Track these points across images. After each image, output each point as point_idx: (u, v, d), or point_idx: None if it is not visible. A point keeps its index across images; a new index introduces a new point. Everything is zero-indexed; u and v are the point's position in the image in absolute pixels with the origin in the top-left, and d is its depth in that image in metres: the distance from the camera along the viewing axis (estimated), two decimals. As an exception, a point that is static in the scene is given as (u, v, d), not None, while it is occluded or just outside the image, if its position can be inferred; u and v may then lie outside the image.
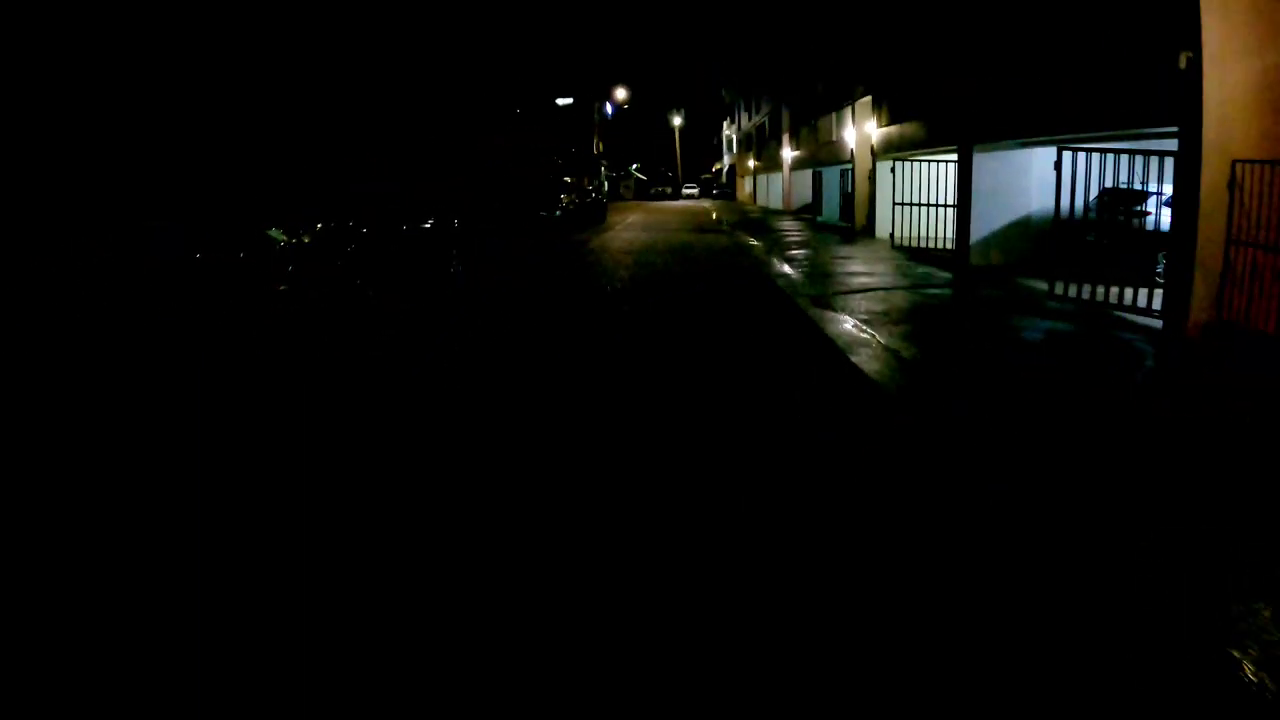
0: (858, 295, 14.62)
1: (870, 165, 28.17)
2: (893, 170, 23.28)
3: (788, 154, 47.58)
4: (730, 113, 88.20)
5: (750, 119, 70.77)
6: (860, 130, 29.33)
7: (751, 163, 69.34)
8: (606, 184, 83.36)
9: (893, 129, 25.93)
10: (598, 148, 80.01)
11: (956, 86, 19.98)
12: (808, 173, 43.19)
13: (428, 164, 26.66)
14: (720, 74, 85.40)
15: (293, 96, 21.90)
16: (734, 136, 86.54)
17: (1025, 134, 16.15)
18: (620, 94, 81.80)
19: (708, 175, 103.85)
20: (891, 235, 23.58)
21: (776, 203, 53.98)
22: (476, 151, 32.55)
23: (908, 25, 24.37)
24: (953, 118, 20.34)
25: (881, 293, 14.96)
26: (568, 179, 38.05)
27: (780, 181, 52.32)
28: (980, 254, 19.49)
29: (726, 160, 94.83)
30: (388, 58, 27.41)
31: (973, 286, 15.72)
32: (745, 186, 76.04)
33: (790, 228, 33.74)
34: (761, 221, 38.96)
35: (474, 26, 40.54)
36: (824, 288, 15.79)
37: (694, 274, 19.29)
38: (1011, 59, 17.01)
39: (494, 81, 43.08)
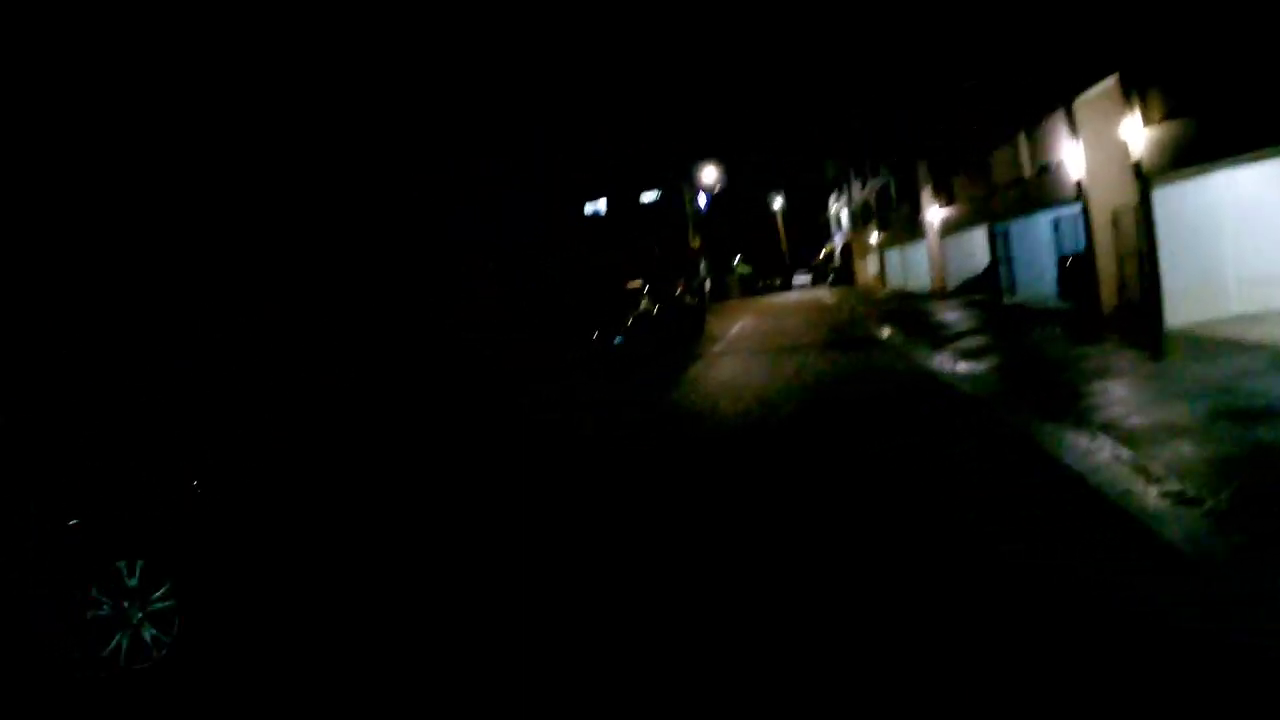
0: None
1: (1130, 197, 16.17)
2: None
3: (934, 214, 35.66)
4: (836, 186, 77.01)
5: (864, 186, 59.37)
6: (1101, 139, 17.39)
7: (874, 237, 57.55)
8: (710, 281, 73.59)
9: (1186, 125, 13.96)
10: (693, 244, 70.02)
11: None
12: (974, 234, 31.11)
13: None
14: (824, 141, 74.35)
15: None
16: (844, 211, 75.17)
17: None
18: (711, 177, 71.42)
19: (818, 260, 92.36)
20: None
21: (919, 282, 41.77)
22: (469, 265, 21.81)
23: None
24: None
25: None
26: (640, 283, 26.96)
27: (923, 253, 40.25)
28: None
29: (838, 239, 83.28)
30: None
31: None
32: (867, 267, 64.11)
33: (975, 326, 21.73)
34: (921, 316, 26.91)
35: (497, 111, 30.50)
36: None
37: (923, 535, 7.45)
38: None
39: (544, 175, 32.86)
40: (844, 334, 24.78)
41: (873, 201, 56.44)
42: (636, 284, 26.60)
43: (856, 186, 64.26)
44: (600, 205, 56.69)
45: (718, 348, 24.72)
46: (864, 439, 10.15)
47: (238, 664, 5.87)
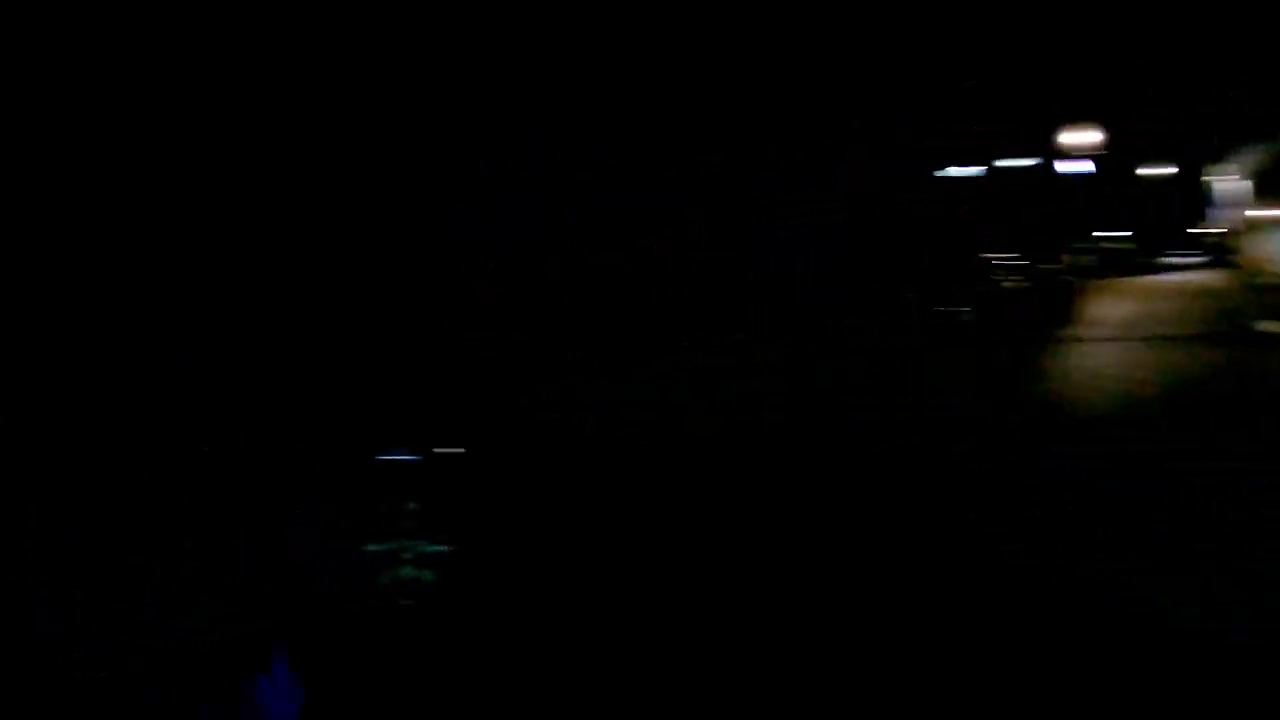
0: None
1: None
2: None
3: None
4: (1226, 153, 69.31)
5: (1260, 148, 53.38)
6: None
7: (1269, 212, 51.64)
8: (1084, 256, 69.12)
9: None
10: (1066, 215, 66.31)
11: None
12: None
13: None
14: (1215, 102, 67.15)
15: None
16: (1237, 182, 67.79)
17: None
18: (1091, 141, 66.59)
19: (1204, 236, 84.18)
20: None
21: (1328, 264, 36.94)
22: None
23: None
24: None
25: None
26: (1002, 255, 26.08)
27: (1334, 232, 35.61)
28: None
29: (1226, 214, 75.29)
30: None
31: None
32: (1258, 244, 57.60)
33: None
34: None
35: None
36: None
37: None
38: None
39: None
40: (1232, 324, 22.53)
41: (1271, 169, 50.99)
42: (997, 255, 25.67)
43: (1250, 153, 58.04)
44: (971, 170, 54.37)
45: (1084, 331, 23.40)
46: (1246, 458, 9.20)
47: (490, 612, 6.24)
